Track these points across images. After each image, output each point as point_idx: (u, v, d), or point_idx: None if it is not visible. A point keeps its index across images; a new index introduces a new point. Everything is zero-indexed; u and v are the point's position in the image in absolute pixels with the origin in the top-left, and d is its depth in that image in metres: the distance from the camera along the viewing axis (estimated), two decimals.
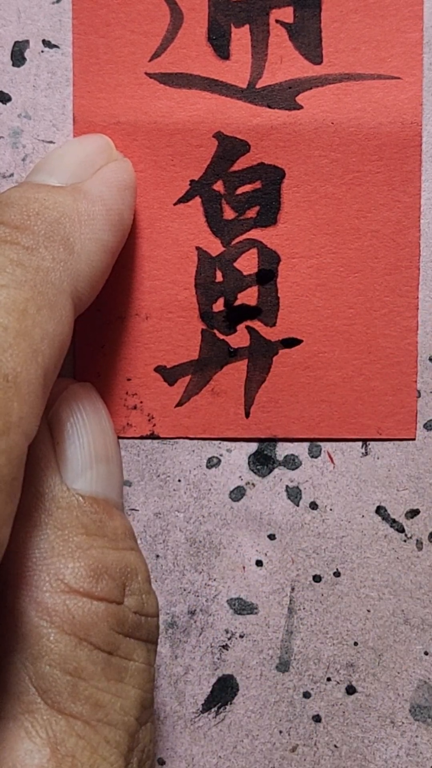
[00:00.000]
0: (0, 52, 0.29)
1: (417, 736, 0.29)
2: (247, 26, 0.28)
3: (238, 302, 0.28)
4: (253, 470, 0.29)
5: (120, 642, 0.21)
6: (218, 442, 0.29)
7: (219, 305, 0.28)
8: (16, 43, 0.29)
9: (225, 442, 0.29)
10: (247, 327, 0.28)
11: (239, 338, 0.28)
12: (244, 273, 0.28)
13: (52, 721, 0.19)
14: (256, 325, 0.28)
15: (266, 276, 0.28)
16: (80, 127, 0.28)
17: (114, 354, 0.28)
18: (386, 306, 0.28)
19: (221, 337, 0.28)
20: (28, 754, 0.18)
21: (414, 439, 0.29)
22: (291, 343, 0.28)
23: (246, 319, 0.28)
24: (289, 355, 0.28)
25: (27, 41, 0.29)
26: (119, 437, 0.29)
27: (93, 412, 0.24)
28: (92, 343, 0.28)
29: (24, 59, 0.29)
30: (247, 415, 0.29)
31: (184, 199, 0.28)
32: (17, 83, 0.29)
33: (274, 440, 0.29)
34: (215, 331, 0.28)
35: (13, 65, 0.29)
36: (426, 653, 0.29)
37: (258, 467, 0.29)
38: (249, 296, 0.28)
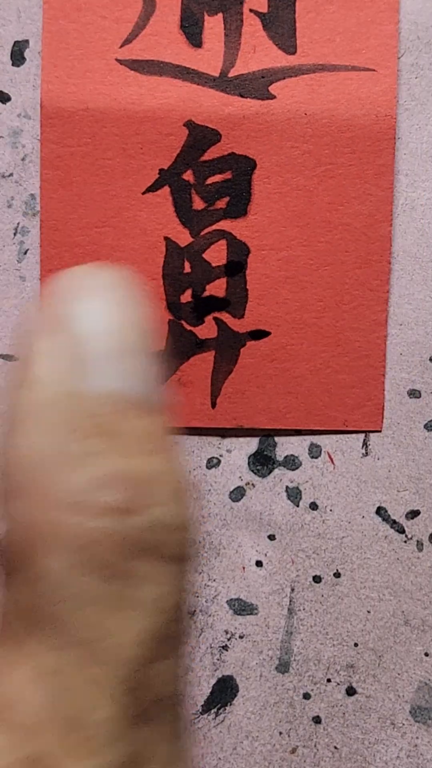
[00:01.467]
0: (0, 51, 0.29)
1: (417, 738, 0.29)
2: (220, 15, 0.28)
3: (206, 294, 0.28)
4: (253, 470, 0.29)
5: (130, 563, 0.20)
6: (218, 442, 0.29)
7: (187, 296, 0.28)
8: (15, 42, 0.29)
9: (225, 443, 0.29)
10: (215, 318, 0.28)
11: (207, 329, 0.28)
12: (213, 264, 0.28)
13: (42, 650, 0.18)
14: (224, 316, 0.28)
15: (235, 268, 0.28)
16: (47, 113, 0.28)
17: None
18: (356, 299, 0.28)
19: (188, 328, 0.28)
20: (13, 685, 0.18)
21: (380, 431, 0.29)
22: (259, 335, 0.28)
23: (214, 310, 0.28)
24: (257, 347, 0.28)
25: (27, 41, 0.29)
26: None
27: (112, 300, 0.23)
28: None
29: (24, 59, 0.29)
30: (213, 405, 0.28)
31: (153, 188, 0.28)
32: (17, 83, 0.29)
33: (241, 429, 0.29)
34: (182, 322, 0.28)
35: (13, 65, 0.29)
36: (426, 654, 0.29)
37: (258, 467, 0.29)
38: (217, 287, 0.28)
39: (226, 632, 0.29)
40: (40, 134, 0.28)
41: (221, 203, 0.28)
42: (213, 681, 0.29)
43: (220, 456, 0.29)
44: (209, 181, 0.28)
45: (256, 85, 0.28)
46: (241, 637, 0.29)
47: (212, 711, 0.29)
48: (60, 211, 0.28)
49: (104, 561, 0.19)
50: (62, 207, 0.28)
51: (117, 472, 0.19)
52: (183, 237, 0.28)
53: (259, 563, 0.29)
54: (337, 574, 0.29)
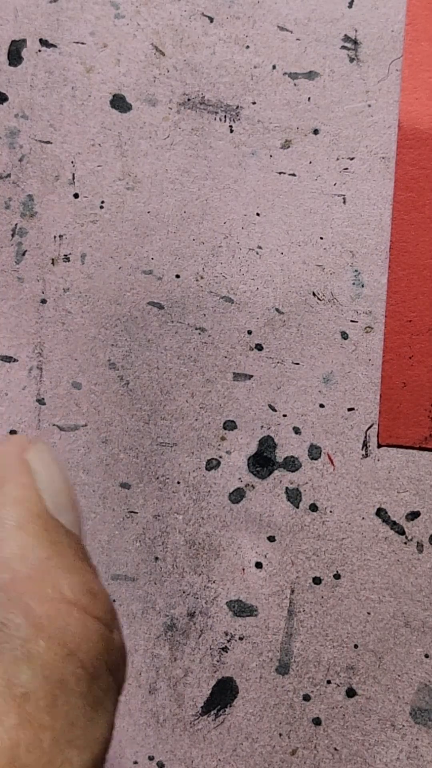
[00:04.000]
0: None
1: (417, 739, 0.29)
2: None
3: None
4: (252, 472, 0.29)
5: (103, 672, 0.21)
6: (218, 443, 0.29)
7: None
8: (12, 42, 0.28)
9: (224, 444, 0.29)
10: None
11: None
12: None
13: (20, 729, 0.19)
14: None
15: None
16: (405, 134, 0.28)
17: (421, 365, 0.28)
18: None
19: None
20: None
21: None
22: None
23: None
24: None
25: (24, 40, 0.28)
26: (420, 448, 0.29)
27: (57, 466, 0.24)
28: (400, 353, 0.28)
29: (21, 59, 0.28)
30: None
31: None
32: (14, 83, 0.28)
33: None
34: None
35: (10, 65, 0.28)
36: (426, 656, 0.29)
37: (257, 469, 0.29)
38: None
39: (226, 634, 0.29)
40: (396, 156, 0.28)
41: None
42: (213, 682, 0.29)
43: (220, 457, 0.29)
44: None
45: None
46: (240, 638, 0.29)
47: (212, 712, 0.29)
48: (411, 233, 0.28)
49: (90, 659, 0.20)
50: (413, 230, 0.28)
51: (100, 590, 0.20)
52: None
53: (258, 565, 0.29)
54: (337, 576, 0.29)
